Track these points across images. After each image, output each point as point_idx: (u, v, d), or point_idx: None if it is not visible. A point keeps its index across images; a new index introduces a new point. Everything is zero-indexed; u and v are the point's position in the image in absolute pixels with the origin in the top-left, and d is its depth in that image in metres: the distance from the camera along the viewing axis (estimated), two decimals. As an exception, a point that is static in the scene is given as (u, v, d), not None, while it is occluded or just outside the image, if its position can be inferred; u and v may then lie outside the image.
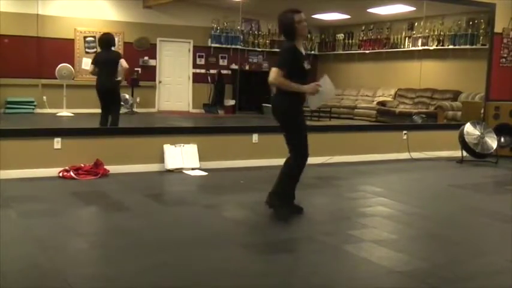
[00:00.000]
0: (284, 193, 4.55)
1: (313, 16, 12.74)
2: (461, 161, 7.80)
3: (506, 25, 8.83)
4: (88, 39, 9.81)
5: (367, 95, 12.84)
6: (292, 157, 4.51)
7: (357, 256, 3.68)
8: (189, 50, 12.38)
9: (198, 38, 12.30)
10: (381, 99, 12.26)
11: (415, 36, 11.52)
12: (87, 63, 8.00)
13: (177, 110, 11.88)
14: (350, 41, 13.28)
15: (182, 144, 6.52)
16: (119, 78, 7.04)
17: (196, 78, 12.42)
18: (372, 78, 12.82)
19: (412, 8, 10.83)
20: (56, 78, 9.40)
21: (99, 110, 7.15)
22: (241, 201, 5.19)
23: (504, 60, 8.90)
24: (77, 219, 4.37)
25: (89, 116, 8.23)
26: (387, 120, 11.16)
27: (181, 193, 5.64)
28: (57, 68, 9.38)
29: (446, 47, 10.79)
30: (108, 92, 7.01)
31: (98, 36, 7.49)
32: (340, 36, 13.46)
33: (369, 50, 12.70)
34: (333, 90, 4.64)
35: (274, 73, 4.31)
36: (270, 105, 4.42)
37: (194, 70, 12.42)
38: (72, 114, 9.26)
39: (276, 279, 3.24)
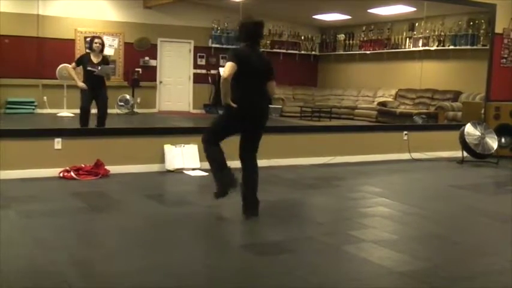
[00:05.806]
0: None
1: (314, 16, 12.76)
2: (461, 161, 7.80)
3: (506, 25, 8.83)
4: (88, 39, 9.86)
5: (367, 96, 12.83)
6: (255, 159, 4.62)
7: (357, 256, 3.68)
8: (190, 51, 12.39)
9: (199, 39, 12.30)
10: (382, 99, 12.25)
11: (415, 36, 11.51)
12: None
13: (177, 111, 11.89)
14: (351, 42, 13.27)
15: (183, 145, 6.51)
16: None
17: (197, 79, 12.42)
18: (372, 78, 12.80)
19: (413, 9, 10.82)
20: (56, 79, 9.41)
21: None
22: (241, 202, 5.16)
23: (504, 60, 8.89)
24: (77, 220, 4.37)
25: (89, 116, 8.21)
26: (388, 120, 11.15)
27: (181, 193, 5.64)
28: (58, 69, 9.37)
29: (446, 48, 10.78)
30: None
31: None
32: (341, 36, 13.45)
33: (369, 50, 12.69)
34: None
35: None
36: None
37: (195, 70, 12.43)
38: (73, 115, 9.24)
39: (276, 279, 3.24)
